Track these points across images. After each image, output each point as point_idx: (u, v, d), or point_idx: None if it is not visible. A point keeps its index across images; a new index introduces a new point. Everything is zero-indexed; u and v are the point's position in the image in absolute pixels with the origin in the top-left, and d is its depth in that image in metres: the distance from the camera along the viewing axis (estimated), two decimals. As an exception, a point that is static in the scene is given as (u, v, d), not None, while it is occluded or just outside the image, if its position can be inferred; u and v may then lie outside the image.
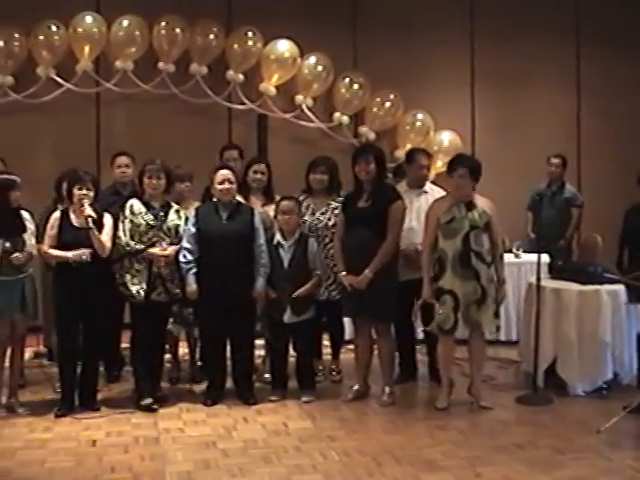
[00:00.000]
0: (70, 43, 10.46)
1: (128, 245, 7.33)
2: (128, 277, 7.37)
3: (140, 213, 7.43)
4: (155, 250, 7.38)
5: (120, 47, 10.49)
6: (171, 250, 7.44)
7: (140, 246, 7.36)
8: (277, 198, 8.04)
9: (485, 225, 7.30)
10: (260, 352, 8.26)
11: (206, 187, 8.39)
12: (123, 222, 7.39)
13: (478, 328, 7.36)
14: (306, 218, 8.00)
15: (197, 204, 8.05)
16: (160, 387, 7.73)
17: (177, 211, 7.62)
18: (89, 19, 10.45)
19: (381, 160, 7.58)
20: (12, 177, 7.40)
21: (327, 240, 7.94)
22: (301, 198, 8.07)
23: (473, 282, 7.28)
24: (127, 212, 7.42)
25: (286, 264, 7.64)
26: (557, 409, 7.45)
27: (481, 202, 7.40)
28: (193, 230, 7.54)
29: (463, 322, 7.31)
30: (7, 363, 7.44)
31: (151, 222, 7.45)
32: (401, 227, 7.52)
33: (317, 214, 8.04)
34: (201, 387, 7.94)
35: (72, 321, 7.29)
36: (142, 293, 7.36)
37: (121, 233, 7.35)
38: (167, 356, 8.14)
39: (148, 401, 7.50)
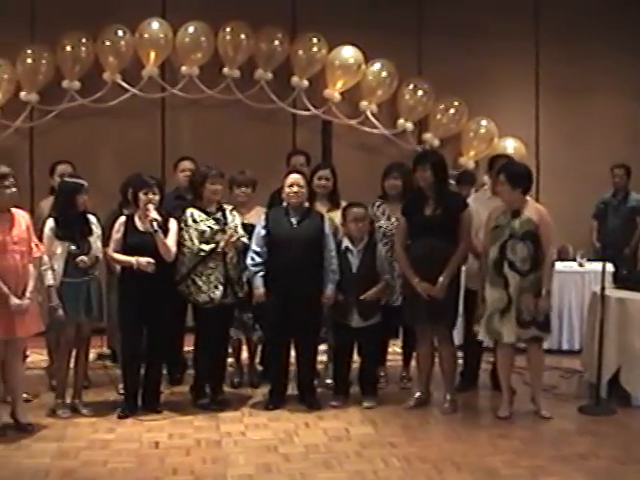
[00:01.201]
0: (136, 49, 10.60)
1: (201, 250, 7.39)
2: (200, 282, 7.42)
3: (202, 220, 7.49)
4: (226, 237, 7.43)
5: (186, 53, 10.59)
6: (238, 235, 7.50)
7: (211, 246, 7.42)
8: (342, 204, 8.09)
9: (524, 234, 7.23)
10: (322, 357, 8.25)
11: (272, 193, 8.45)
12: (188, 231, 7.44)
13: (499, 338, 7.31)
14: (382, 223, 8.02)
15: (257, 209, 8.13)
16: (222, 390, 7.78)
17: (232, 210, 7.72)
18: (155, 25, 10.58)
19: (439, 167, 7.54)
20: (79, 181, 7.50)
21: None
22: (377, 204, 8.11)
23: (501, 290, 7.24)
24: (190, 221, 7.47)
25: (354, 269, 7.65)
26: (620, 420, 7.37)
27: (531, 210, 7.32)
28: (263, 233, 7.59)
29: (484, 330, 7.30)
30: (72, 364, 7.53)
31: (214, 226, 7.51)
32: (470, 234, 7.51)
33: (392, 219, 8.03)
34: (263, 391, 7.98)
35: (136, 323, 7.38)
36: (218, 295, 7.42)
37: (189, 242, 7.41)
38: (229, 360, 8.19)
39: (205, 401, 7.61)
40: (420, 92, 11.03)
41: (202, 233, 7.45)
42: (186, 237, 7.42)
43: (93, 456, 6.48)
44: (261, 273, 7.56)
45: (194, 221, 7.48)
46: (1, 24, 10.42)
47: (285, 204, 7.70)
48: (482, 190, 8.39)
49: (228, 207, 7.75)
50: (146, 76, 10.55)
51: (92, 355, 8.18)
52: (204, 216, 7.52)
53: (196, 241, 7.41)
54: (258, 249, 7.58)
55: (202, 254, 7.40)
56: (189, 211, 7.52)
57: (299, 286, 7.41)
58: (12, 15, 10.56)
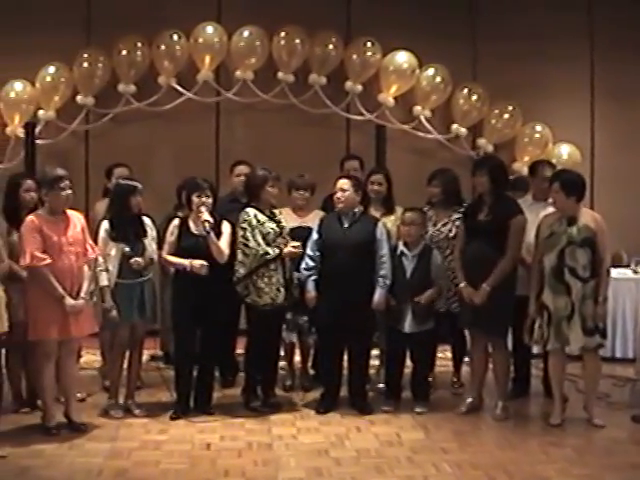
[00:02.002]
0: (191, 53, 10.66)
1: (267, 253, 7.43)
2: (262, 284, 7.45)
3: (265, 222, 7.54)
4: (290, 249, 7.53)
5: (240, 57, 10.63)
6: (300, 251, 7.59)
7: (277, 251, 7.48)
8: (397, 209, 8.09)
9: (583, 240, 7.18)
10: (374, 362, 8.24)
11: (325, 197, 8.47)
12: (253, 231, 7.46)
13: (567, 344, 7.25)
14: (429, 229, 8.01)
15: (316, 212, 8.16)
16: (274, 393, 7.80)
17: (280, 213, 7.81)
18: (210, 29, 10.63)
19: (497, 173, 7.51)
20: (134, 183, 7.56)
21: (448, 252, 7.92)
22: (425, 209, 8.09)
23: (565, 297, 7.18)
24: (254, 222, 7.49)
25: (408, 274, 7.63)
26: (675, 429, 7.29)
27: (587, 217, 7.28)
28: (316, 237, 7.64)
29: (554, 337, 7.23)
30: (125, 365, 7.61)
31: (276, 229, 7.59)
32: (521, 242, 7.45)
33: (438, 225, 8.04)
34: (314, 395, 7.98)
35: (189, 326, 7.41)
36: (281, 297, 7.48)
37: (253, 243, 7.43)
38: (282, 363, 8.20)
39: (257, 403, 7.65)
40: (474, 97, 10.97)
41: (265, 235, 7.50)
42: (250, 238, 7.44)
43: (145, 456, 6.53)
44: (313, 277, 7.61)
45: (259, 222, 7.51)
46: (58, 28, 10.52)
47: (336, 209, 7.72)
48: (525, 196, 8.34)
49: (276, 210, 7.83)
50: (201, 80, 10.61)
51: (145, 356, 8.20)
52: (265, 218, 7.56)
53: (262, 243, 7.45)
54: (311, 253, 7.63)
55: (268, 257, 7.43)
56: (252, 211, 7.54)
57: (349, 290, 7.42)
58: (69, 19, 10.67)
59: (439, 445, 6.79)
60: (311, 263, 7.62)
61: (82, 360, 8.39)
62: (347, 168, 8.82)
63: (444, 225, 8.04)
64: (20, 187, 7.46)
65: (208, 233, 7.26)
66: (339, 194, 7.60)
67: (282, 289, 7.50)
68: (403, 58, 10.82)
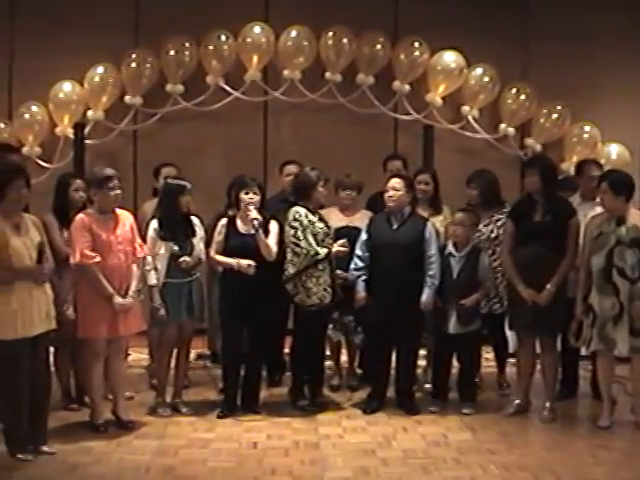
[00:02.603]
0: (239, 53, 10.69)
1: (317, 253, 7.45)
2: (310, 284, 7.48)
3: (315, 221, 7.57)
4: (338, 249, 7.55)
5: (288, 57, 10.66)
6: (347, 250, 7.60)
7: (326, 251, 7.50)
8: (445, 209, 8.09)
9: (632, 241, 7.13)
10: (421, 362, 8.22)
11: (370, 197, 8.48)
12: (304, 231, 7.48)
13: (613, 346, 7.18)
14: (469, 230, 8.02)
15: (362, 212, 8.18)
16: (321, 393, 7.82)
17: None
18: (258, 29, 10.66)
19: (547, 172, 7.48)
20: (182, 182, 7.61)
21: (489, 252, 7.89)
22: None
23: (612, 298, 7.13)
24: (305, 222, 7.51)
25: (455, 274, 7.62)
26: None
27: (635, 217, 7.24)
28: (365, 237, 7.64)
29: (598, 338, 7.19)
30: (173, 364, 7.66)
31: (325, 229, 7.63)
32: (578, 242, 7.42)
33: (480, 226, 8.00)
34: (361, 394, 7.99)
35: (237, 325, 7.46)
36: (328, 298, 7.50)
37: (304, 242, 7.45)
38: (328, 362, 8.23)
39: (304, 403, 7.67)
40: (523, 96, 10.89)
41: (315, 235, 7.53)
42: (301, 237, 7.46)
43: (193, 454, 6.58)
44: (363, 277, 7.61)
45: (310, 222, 7.53)
46: (106, 29, 10.60)
47: (387, 209, 7.70)
48: (573, 196, 8.30)
49: (323, 210, 7.91)
50: (249, 80, 10.64)
51: (192, 355, 8.27)
52: (315, 217, 7.59)
53: (313, 242, 7.47)
54: (360, 253, 7.64)
55: (318, 257, 7.45)
56: (303, 211, 7.55)
57: (398, 291, 7.42)
58: (117, 20, 10.75)
59: (486, 446, 6.77)
60: (360, 263, 7.63)
61: (130, 358, 8.47)
62: (390, 168, 8.83)
63: (485, 226, 8.02)
64: (69, 187, 7.55)
65: (257, 230, 7.29)
66: (391, 193, 7.59)
67: (329, 289, 7.53)
68: (451, 58, 10.78)
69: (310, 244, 7.46)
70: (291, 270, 7.49)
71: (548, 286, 7.28)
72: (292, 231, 7.49)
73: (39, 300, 6.39)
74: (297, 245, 7.47)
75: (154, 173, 8.84)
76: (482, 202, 8.09)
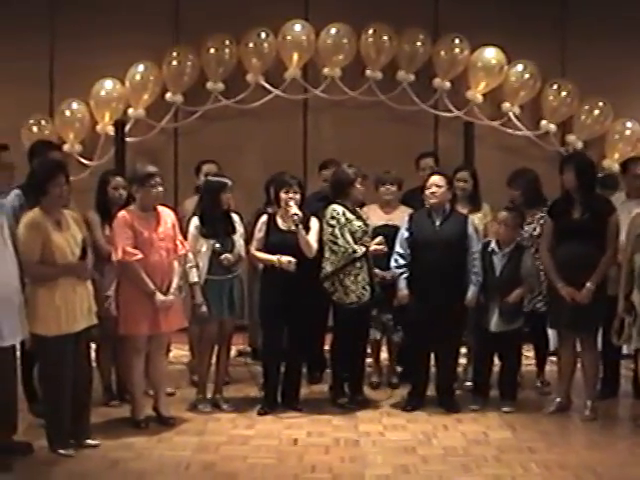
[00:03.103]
0: (279, 51, 10.73)
1: (355, 251, 7.46)
2: (348, 282, 7.48)
3: (353, 219, 7.57)
4: (375, 247, 7.55)
5: (328, 55, 10.67)
6: (385, 249, 7.60)
7: (363, 249, 7.50)
8: (484, 206, 8.08)
9: None
10: (461, 360, 8.20)
11: (405, 192, 8.48)
12: (342, 229, 7.48)
13: None
14: (511, 228, 7.99)
15: (402, 209, 8.16)
16: (361, 391, 7.82)
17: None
18: (298, 27, 10.69)
19: (583, 170, 7.43)
20: (224, 180, 7.64)
21: (532, 250, 7.87)
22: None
23: None
24: (343, 219, 7.51)
25: (498, 272, 7.60)
26: None
27: None
28: (406, 235, 7.63)
29: (637, 336, 7.12)
30: (213, 360, 7.70)
31: (363, 226, 7.63)
32: (618, 239, 7.38)
33: (523, 224, 7.99)
34: (402, 392, 7.99)
35: (277, 322, 7.48)
36: (367, 296, 7.50)
37: (342, 240, 7.45)
38: (368, 360, 8.21)
39: (344, 400, 7.68)
40: (564, 93, 10.83)
41: (353, 233, 7.53)
42: (338, 235, 7.46)
43: (233, 451, 6.61)
44: (405, 275, 7.60)
45: (347, 220, 7.53)
46: (147, 27, 10.73)
47: (428, 205, 7.69)
48: (617, 194, 8.26)
49: (365, 208, 7.96)
50: (289, 78, 10.67)
51: (233, 352, 8.32)
52: (353, 215, 7.59)
53: (351, 241, 7.48)
54: (402, 251, 7.62)
55: (356, 255, 7.46)
56: (340, 209, 7.56)
57: (441, 288, 7.40)
58: (158, 18, 10.87)
59: (526, 445, 6.75)
60: (402, 261, 7.61)
61: (171, 355, 8.49)
62: (423, 166, 8.84)
63: (528, 224, 7.99)
64: (108, 184, 7.61)
65: (297, 227, 7.31)
66: (433, 189, 7.57)
67: (368, 287, 7.53)
68: (491, 54, 10.74)
69: (347, 242, 7.47)
70: (328, 268, 7.50)
71: (588, 284, 7.24)
72: (329, 229, 7.50)
73: (82, 296, 6.46)
74: (334, 243, 7.48)
75: (195, 170, 8.87)
76: (525, 201, 8.06)
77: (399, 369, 8.49)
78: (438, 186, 7.57)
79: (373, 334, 8.12)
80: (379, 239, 7.58)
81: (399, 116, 10.80)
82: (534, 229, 8.00)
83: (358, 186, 7.66)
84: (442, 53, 10.73)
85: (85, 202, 7.67)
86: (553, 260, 7.44)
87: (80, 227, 6.59)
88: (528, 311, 7.82)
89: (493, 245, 7.67)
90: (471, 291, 7.51)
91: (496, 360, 7.79)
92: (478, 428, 7.16)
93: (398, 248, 7.63)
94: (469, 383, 8.02)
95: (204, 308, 7.36)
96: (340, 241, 7.46)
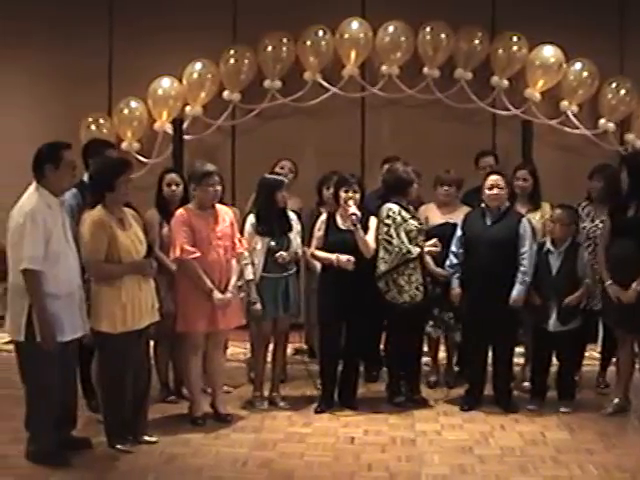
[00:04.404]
0: (336, 48, 10.75)
1: (409, 252, 7.45)
2: (402, 282, 7.46)
3: (408, 219, 7.56)
4: (430, 248, 7.55)
5: (386, 52, 10.68)
6: (439, 249, 7.58)
7: (418, 250, 7.50)
8: (544, 205, 8.04)
9: None
10: (519, 359, 8.19)
11: (465, 192, 8.45)
12: (397, 228, 7.47)
13: None
14: (585, 224, 7.95)
15: (463, 209, 8.08)
16: (419, 389, 7.82)
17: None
18: (355, 25, 10.71)
19: (634, 169, 7.36)
20: (280, 178, 7.70)
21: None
22: (583, 204, 8.07)
23: None
24: (399, 219, 7.50)
25: (554, 271, 7.56)
26: None
27: None
28: (459, 234, 7.65)
29: None
30: (270, 358, 7.76)
31: (418, 226, 7.63)
32: None
33: (596, 221, 7.93)
34: (459, 391, 7.97)
35: (335, 320, 7.50)
36: (420, 296, 7.48)
37: (397, 240, 7.43)
38: (426, 359, 8.25)
39: (400, 399, 7.69)
40: (622, 91, 10.74)
41: (408, 233, 7.53)
42: (394, 234, 7.45)
43: (290, 448, 6.64)
44: (458, 274, 7.62)
45: (403, 219, 7.53)
46: (204, 25, 10.78)
47: (483, 205, 7.68)
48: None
49: (422, 207, 7.98)
50: (346, 75, 10.70)
51: (290, 350, 8.37)
52: (409, 215, 7.59)
53: (406, 240, 7.47)
54: (455, 250, 7.65)
55: (410, 256, 7.45)
56: (396, 208, 7.55)
57: (492, 287, 7.40)
58: (215, 17, 10.93)
59: (584, 446, 6.70)
60: (455, 260, 7.63)
61: (228, 352, 8.47)
62: (482, 165, 8.81)
63: (602, 221, 7.88)
64: (163, 181, 7.68)
65: (355, 226, 7.31)
66: (495, 191, 7.54)
67: (421, 288, 7.52)
68: (549, 52, 10.68)
69: (402, 242, 7.46)
70: (382, 268, 7.49)
71: (634, 284, 7.20)
72: (385, 228, 7.49)
73: (146, 293, 6.52)
74: (389, 242, 7.46)
75: (272, 168, 8.84)
76: (604, 195, 7.99)
77: (457, 369, 8.48)
78: (499, 187, 7.54)
79: (435, 333, 8.11)
80: (434, 241, 7.57)
81: (457, 114, 10.79)
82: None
83: (416, 185, 7.68)
84: (500, 51, 10.69)
85: (142, 200, 7.63)
86: (607, 258, 7.39)
87: (140, 225, 6.66)
88: (597, 310, 7.75)
89: (548, 244, 7.63)
90: (517, 290, 7.45)
91: (554, 360, 7.75)
92: (535, 428, 7.12)
93: (453, 247, 7.65)
94: (527, 383, 7.97)
95: (258, 306, 7.39)
96: (395, 241, 7.45)
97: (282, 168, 8.63)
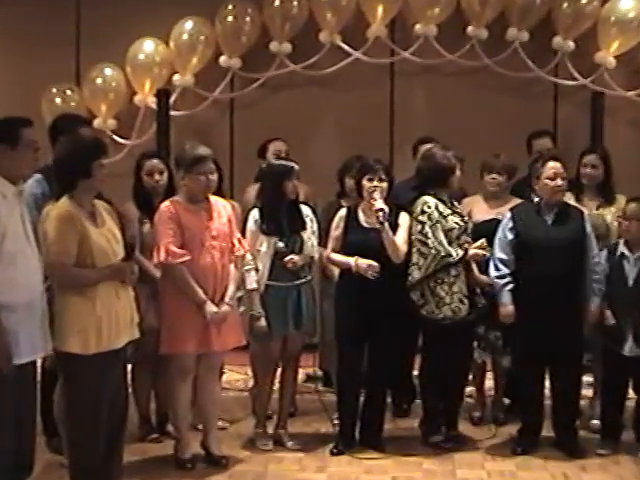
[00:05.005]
0: (359, 4, 10.75)
1: (449, 255, 7.40)
2: (442, 292, 7.43)
3: (448, 214, 7.53)
4: (476, 250, 7.51)
5: (421, 8, 10.67)
6: (488, 253, 7.57)
7: (460, 253, 7.45)
8: (618, 198, 8.01)
9: None
10: (586, 391, 8.17)
11: (516, 181, 8.42)
12: (433, 226, 7.43)
13: None
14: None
15: (514, 202, 8.03)
16: (456, 425, 7.81)
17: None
18: (383, -27, 10.72)
19: None
20: (289, 163, 7.68)
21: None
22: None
23: None
24: (435, 214, 7.47)
25: (630, 282, 7.50)
26: None
27: None
28: (510, 236, 7.57)
29: None
30: (277, 386, 7.75)
31: (461, 223, 7.59)
32: None
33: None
34: (510, 430, 7.95)
35: (356, 339, 7.48)
36: (463, 310, 7.45)
37: (433, 241, 7.38)
38: (469, 389, 8.25)
39: (437, 438, 7.66)
40: None
41: (448, 231, 7.49)
42: (429, 234, 7.41)
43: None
44: (509, 286, 7.54)
45: (441, 215, 7.50)
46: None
47: (537, 199, 7.65)
48: None
49: (466, 199, 7.98)
50: (372, 37, 10.70)
51: (301, 376, 8.40)
52: (448, 210, 7.56)
53: (444, 241, 7.43)
54: (504, 256, 7.56)
55: (450, 260, 7.42)
56: (433, 201, 7.51)
57: (555, 301, 7.36)
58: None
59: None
60: (505, 269, 7.54)
61: (224, 378, 8.53)
62: (536, 148, 8.81)
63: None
64: (142, 170, 7.69)
65: (382, 224, 7.25)
66: (559, 182, 7.50)
67: (465, 300, 7.49)
68: (628, 5, 10.64)
69: (440, 243, 7.42)
70: (416, 275, 7.46)
71: None
72: (419, 226, 7.47)
73: (125, 304, 6.41)
74: (424, 244, 7.43)
75: (259, 151, 8.91)
76: None
77: (507, 401, 8.47)
78: (562, 177, 7.50)
79: (479, 357, 8.08)
80: (481, 241, 7.55)
81: (509, 85, 10.80)
82: None
83: (457, 173, 7.65)
84: (564, 5, 10.64)
85: (119, 191, 7.56)
86: None
87: (115, 221, 6.55)
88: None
89: (622, 248, 7.58)
90: (594, 303, 7.46)
91: (631, 393, 7.72)
92: (608, 478, 7.09)
93: (499, 253, 7.55)
94: (596, 421, 7.94)
95: (263, 321, 7.40)
96: (431, 242, 7.41)
97: (278, 151, 8.59)
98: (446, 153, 7.65)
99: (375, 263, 7.26)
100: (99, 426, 6.30)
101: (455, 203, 7.74)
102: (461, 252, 7.47)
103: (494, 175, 8.15)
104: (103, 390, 6.28)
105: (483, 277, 7.67)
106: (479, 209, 8.12)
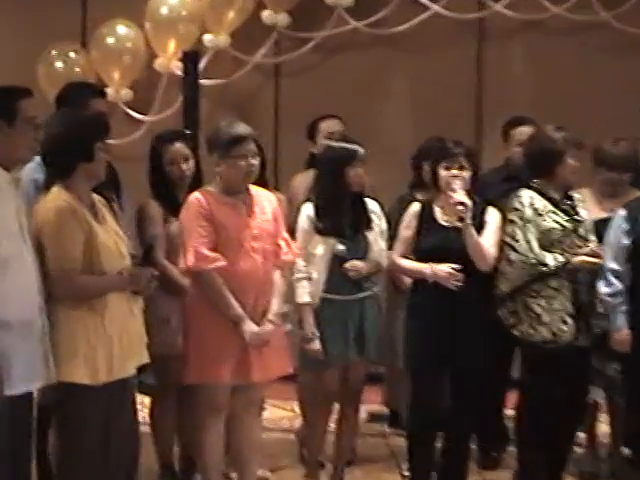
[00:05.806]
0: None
1: (542, 263, 7.34)
2: (539, 308, 7.39)
3: (548, 212, 7.44)
4: (583, 258, 7.39)
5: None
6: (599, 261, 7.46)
7: (560, 261, 7.36)
8: None
9: None
10: None
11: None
12: (524, 227, 7.38)
13: None
14: None
15: (634, 194, 7.99)
16: (563, 480, 7.78)
17: (580, 200, 7.67)
18: None
19: None
20: (353, 146, 7.70)
21: None
22: None
23: None
24: (529, 212, 7.41)
25: None
26: None
27: None
28: (625, 242, 7.50)
29: None
30: (333, 427, 7.85)
31: (566, 223, 7.48)
32: None
33: None
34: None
35: (432, 370, 7.45)
36: (567, 332, 7.36)
37: (523, 245, 7.33)
38: (580, 435, 8.21)
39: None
40: None
41: (546, 232, 7.42)
42: (519, 236, 7.36)
43: None
44: (624, 307, 7.48)
45: (536, 212, 7.43)
46: None
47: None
48: None
49: (577, 195, 7.71)
50: (455, -15, 10.79)
51: (363, 415, 8.48)
52: (551, 206, 7.48)
53: (535, 245, 7.37)
54: (618, 267, 7.49)
55: (544, 270, 7.38)
56: (527, 196, 7.47)
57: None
58: None
59: None
60: (618, 284, 7.48)
61: (265, 416, 8.47)
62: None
63: None
64: (162, 157, 7.69)
65: (463, 221, 7.19)
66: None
67: (570, 319, 7.41)
68: None
69: (531, 248, 7.35)
70: (504, 287, 7.47)
71: None
72: (509, 227, 7.42)
73: (138, 321, 6.37)
74: (513, 249, 7.39)
75: (309, 131, 8.97)
76: None
77: (627, 451, 8.33)
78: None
79: (592, 394, 8.00)
80: (590, 248, 7.45)
81: (631, 44, 10.75)
82: None
83: (570, 161, 7.53)
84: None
85: (136, 178, 7.73)
86: None
87: (113, 217, 6.47)
88: None
89: None
90: None
91: None
92: None
93: (611, 263, 7.47)
94: None
95: (317, 344, 7.45)
96: (521, 246, 7.36)
97: (332, 133, 8.70)
98: (553, 135, 7.56)
99: (457, 268, 7.23)
100: (105, 474, 6.19)
101: (574, 197, 7.65)
102: (562, 259, 7.38)
103: (612, 174, 8.04)
104: (112, 430, 6.18)
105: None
106: (592, 206, 7.95)
